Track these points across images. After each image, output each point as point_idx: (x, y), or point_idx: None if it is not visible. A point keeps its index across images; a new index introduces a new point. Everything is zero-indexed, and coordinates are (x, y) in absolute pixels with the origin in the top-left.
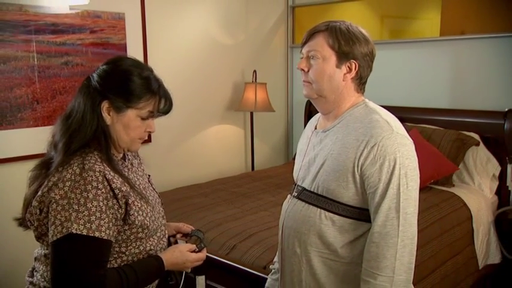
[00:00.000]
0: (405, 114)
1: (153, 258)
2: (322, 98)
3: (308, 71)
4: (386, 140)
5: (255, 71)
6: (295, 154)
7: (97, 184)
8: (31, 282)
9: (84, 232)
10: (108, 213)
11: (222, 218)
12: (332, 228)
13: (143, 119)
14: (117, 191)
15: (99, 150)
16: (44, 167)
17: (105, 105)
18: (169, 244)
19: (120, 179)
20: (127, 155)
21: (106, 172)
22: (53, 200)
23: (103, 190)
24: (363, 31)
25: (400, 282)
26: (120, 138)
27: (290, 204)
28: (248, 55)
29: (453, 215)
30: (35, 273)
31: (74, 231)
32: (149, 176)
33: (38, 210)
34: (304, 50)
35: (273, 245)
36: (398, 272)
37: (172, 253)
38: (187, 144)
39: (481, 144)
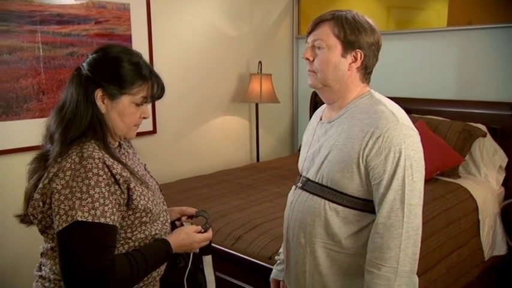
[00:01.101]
0: (411, 105)
1: (160, 241)
2: (327, 88)
3: (313, 60)
4: (392, 131)
5: (260, 62)
6: (301, 145)
7: (97, 171)
8: (40, 276)
9: (90, 219)
10: (111, 199)
11: (227, 209)
12: (336, 219)
13: (137, 105)
14: (118, 177)
15: (95, 139)
16: (42, 159)
17: (98, 93)
18: (174, 228)
19: (120, 165)
20: (122, 144)
21: (105, 159)
22: (55, 191)
23: (104, 176)
24: (369, 21)
25: (404, 273)
26: (115, 126)
27: (295, 195)
28: (253, 46)
29: (459, 206)
30: (43, 268)
31: (79, 218)
32: (145, 164)
33: (40, 203)
34: (310, 39)
35: (278, 235)
36: (403, 263)
37: (178, 235)
38: (192, 136)
39: (488, 135)
